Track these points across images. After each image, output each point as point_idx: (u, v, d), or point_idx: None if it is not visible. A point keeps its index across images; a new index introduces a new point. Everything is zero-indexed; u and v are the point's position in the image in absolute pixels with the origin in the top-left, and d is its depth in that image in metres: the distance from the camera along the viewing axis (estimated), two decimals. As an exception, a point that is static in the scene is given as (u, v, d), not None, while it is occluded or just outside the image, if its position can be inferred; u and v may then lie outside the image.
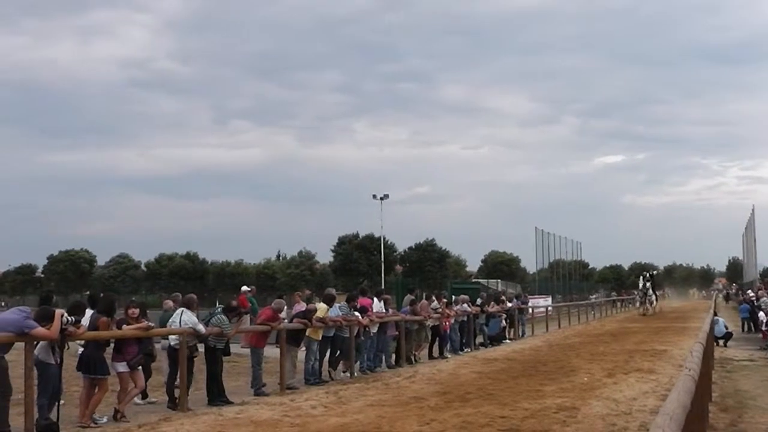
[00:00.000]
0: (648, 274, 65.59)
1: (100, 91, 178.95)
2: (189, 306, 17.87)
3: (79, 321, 14.39)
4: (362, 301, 24.53)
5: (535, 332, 41.45)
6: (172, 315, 17.81)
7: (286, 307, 22.29)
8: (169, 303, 19.60)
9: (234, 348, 20.40)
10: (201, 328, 17.46)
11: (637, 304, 67.18)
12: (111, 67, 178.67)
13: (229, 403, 17.29)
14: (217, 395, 17.56)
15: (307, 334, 21.20)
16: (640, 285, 64.26)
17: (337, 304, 22.67)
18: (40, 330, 13.36)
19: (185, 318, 17.37)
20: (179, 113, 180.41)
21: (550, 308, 51.52)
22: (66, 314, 14.11)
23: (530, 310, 47.26)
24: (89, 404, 14.90)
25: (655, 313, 61.62)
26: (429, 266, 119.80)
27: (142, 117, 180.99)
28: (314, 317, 21.19)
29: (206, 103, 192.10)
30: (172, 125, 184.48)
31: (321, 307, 21.84)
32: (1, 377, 13.31)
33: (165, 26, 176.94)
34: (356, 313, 23.12)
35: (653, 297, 64.04)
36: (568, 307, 60.14)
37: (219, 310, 18.77)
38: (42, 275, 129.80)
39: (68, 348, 14.58)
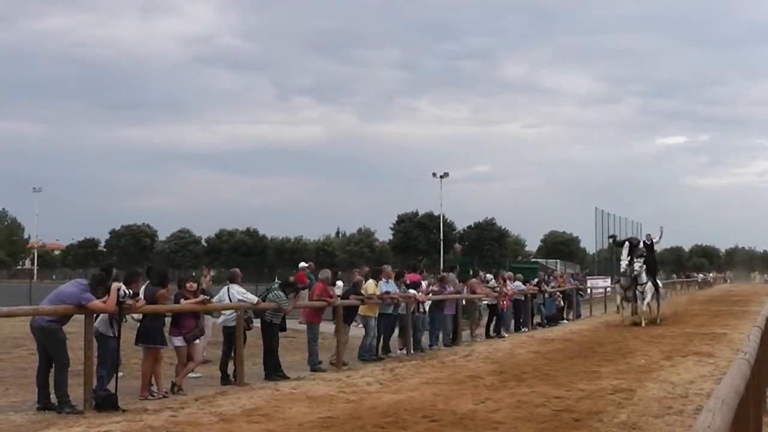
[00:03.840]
0: (636, 243, 35.08)
1: (164, 68, 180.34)
2: (234, 280, 17.98)
3: (137, 294, 14.55)
4: (411, 277, 24.56)
5: (593, 313, 41.26)
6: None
7: (342, 284, 22.33)
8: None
9: (293, 324, 20.58)
10: (251, 297, 17.59)
11: (617, 299, 36.51)
12: (175, 43, 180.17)
13: (285, 378, 17.41)
14: (273, 370, 17.69)
15: (360, 311, 21.23)
16: (623, 263, 34.16)
17: (388, 281, 22.61)
18: (96, 303, 13.53)
19: (233, 292, 17.50)
20: (242, 89, 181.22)
21: (608, 289, 51.15)
22: (123, 287, 14.29)
23: (589, 290, 46.99)
24: (144, 375, 15.10)
25: (653, 319, 33.42)
26: (488, 245, 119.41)
27: (205, 93, 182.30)
28: (367, 294, 21.20)
29: (268, 79, 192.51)
30: (235, 101, 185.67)
31: (369, 283, 21.87)
32: (60, 348, 13.53)
33: (228, 3, 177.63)
34: (412, 290, 23.15)
35: (647, 288, 33.71)
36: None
37: (276, 285, 18.86)
38: (104, 249, 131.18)
39: (126, 321, 14.76)
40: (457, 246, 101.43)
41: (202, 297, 16.50)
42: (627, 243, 35.26)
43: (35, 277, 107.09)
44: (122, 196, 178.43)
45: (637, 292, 33.92)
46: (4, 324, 23.38)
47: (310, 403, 14.33)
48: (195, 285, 16.64)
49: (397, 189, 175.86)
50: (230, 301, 17.38)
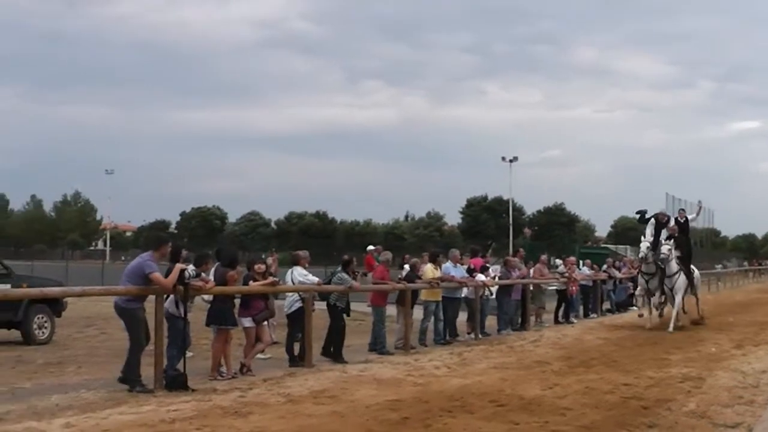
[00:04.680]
0: (665, 221, 27.25)
1: (234, 52, 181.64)
2: (297, 263, 18.06)
3: (200, 274, 14.67)
4: (475, 261, 24.49)
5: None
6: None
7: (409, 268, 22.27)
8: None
9: (361, 306, 20.64)
10: (312, 278, 17.66)
11: (635, 292, 29.74)
12: (244, 27, 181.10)
13: (344, 362, 17.55)
14: (337, 353, 17.79)
15: (422, 295, 21.21)
16: (642, 246, 26.44)
17: (456, 265, 22.57)
18: (157, 275, 13.69)
19: (295, 274, 17.59)
20: (311, 73, 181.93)
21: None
22: (192, 268, 14.44)
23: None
24: (214, 356, 15.25)
25: (678, 322, 25.50)
26: (557, 230, 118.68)
27: (275, 77, 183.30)
28: (431, 279, 21.17)
29: (338, 63, 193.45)
30: (304, 85, 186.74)
31: (427, 268, 21.73)
32: (136, 328, 13.70)
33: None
34: (480, 276, 23.12)
35: (678, 281, 26.14)
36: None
37: (339, 268, 18.91)
38: (175, 231, 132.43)
39: (193, 302, 14.92)
40: (527, 231, 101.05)
41: (271, 279, 16.62)
42: (652, 220, 26.97)
43: (107, 258, 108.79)
44: (193, 178, 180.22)
45: (665, 287, 26.02)
46: (77, 304, 23.71)
47: (378, 385, 14.38)
48: (264, 267, 16.75)
49: (467, 173, 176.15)
50: (292, 284, 17.49)
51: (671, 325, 24.85)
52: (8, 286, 19.03)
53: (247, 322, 15.86)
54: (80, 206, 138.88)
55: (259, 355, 16.88)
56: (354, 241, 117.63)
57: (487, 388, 13.94)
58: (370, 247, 31.99)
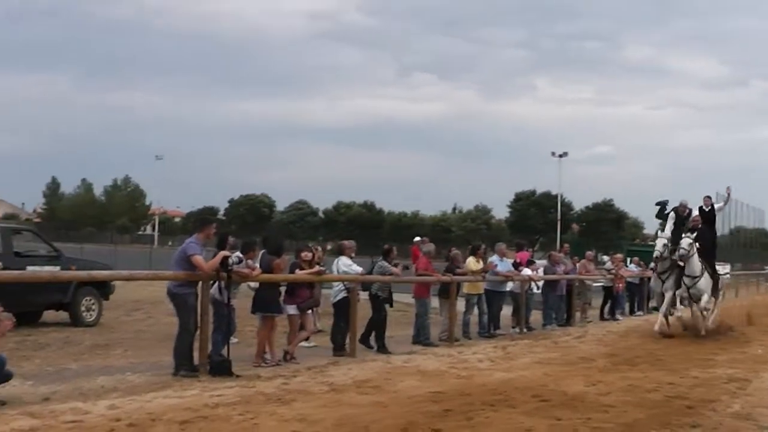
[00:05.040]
0: (687, 214, 23.77)
1: (287, 43, 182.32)
2: (342, 252, 18.11)
3: (242, 261, 14.74)
4: (520, 255, 24.43)
5: (710, 300, 40.49)
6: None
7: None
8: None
9: (406, 297, 20.66)
10: (356, 268, 17.72)
11: (652, 296, 28.39)
12: (297, 19, 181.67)
13: (387, 352, 17.62)
14: (380, 344, 17.83)
15: (465, 289, 21.21)
16: (659, 242, 23.11)
17: (502, 259, 22.54)
18: (198, 258, 13.77)
19: (340, 264, 17.66)
20: (363, 65, 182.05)
21: (727, 276, 50.10)
22: (237, 255, 14.54)
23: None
24: (259, 343, 15.33)
25: (703, 330, 22.69)
26: (605, 227, 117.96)
27: (326, 68, 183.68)
28: (474, 271, 21.17)
29: (390, 55, 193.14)
30: (355, 77, 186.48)
31: (469, 261, 21.72)
32: (185, 313, 13.81)
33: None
34: (526, 270, 23.08)
35: (701, 282, 22.53)
36: (746, 276, 58.30)
37: (381, 258, 18.93)
38: (223, 217, 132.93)
39: (236, 289, 15.02)
40: (575, 226, 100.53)
41: (317, 268, 16.68)
42: (672, 214, 23.62)
43: (155, 242, 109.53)
44: (242, 167, 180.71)
45: (684, 286, 22.51)
46: (125, 287, 23.91)
47: (421, 377, 14.40)
48: (310, 255, 16.82)
49: (515, 167, 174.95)
50: (337, 273, 17.56)
51: (702, 328, 22.45)
52: (58, 268, 19.27)
53: (292, 309, 15.95)
54: (130, 191, 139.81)
55: (304, 343, 16.97)
56: (401, 233, 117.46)
57: (530, 383, 13.92)
58: (417, 239, 31.96)
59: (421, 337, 19.18)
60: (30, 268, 18.27)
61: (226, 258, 14.00)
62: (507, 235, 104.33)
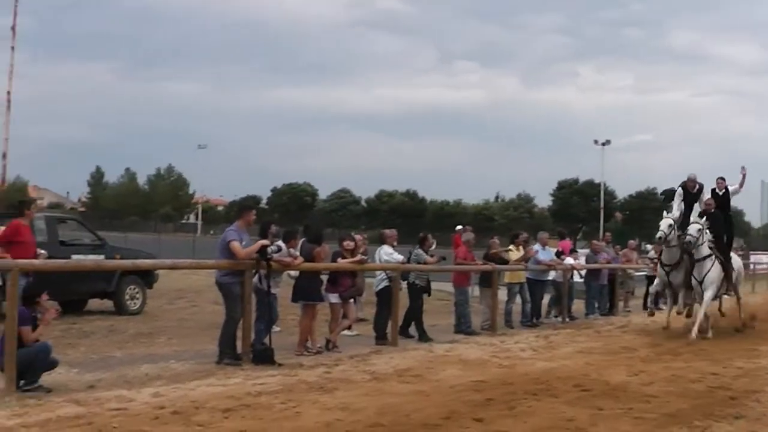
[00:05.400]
0: (697, 190, 20.86)
1: (327, 31, 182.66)
2: (384, 241, 18.15)
3: (281, 249, 14.78)
4: (562, 244, 24.36)
5: (755, 289, 40.19)
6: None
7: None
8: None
9: (448, 286, 20.66)
10: (397, 257, 17.76)
11: (651, 288, 23.36)
12: (337, 6, 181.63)
13: (428, 339, 17.66)
14: (420, 332, 17.86)
15: (506, 278, 21.20)
16: (663, 223, 19.70)
17: (544, 248, 22.49)
18: (235, 244, 13.83)
19: (381, 253, 17.71)
20: (403, 53, 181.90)
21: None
22: (277, 244, 14.61)
23: (752, 266, 45.78)
24: (302, 332, 15.39)
25: (704, 327, 19.77)
26: (649, 215, 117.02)
27: (367, 56, 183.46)
28: (515, 260, 21.16)
29: (429, 43, 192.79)
30: (396, 65, 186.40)
31: (512, 250, 21.77)
32: (231, 302, 13.91)
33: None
34: (569, 259, 23.03)
35: (710, 273, 19.84)
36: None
37: (417, 246, 18.93)
38: (266, 206, 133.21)
39: (278, 278, 15.10)
40: (618, 215, 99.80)
41: (359, 256, 16.72)
42: (679, 190, 20.92)
43: (199, 231, 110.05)
44: (284, 155, 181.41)
45: (693, 279, 20.03)
46: (168, 276, 24.07)
47: (463, 366, 14.41)
48: (352, 244, 16.84)
49: (558, 155, 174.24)
50: (379, 262, 17.61)
51: (693, 331, 19.30)
52: (102, 257, 19.43)
53: (334, 298, 16.00)
54: (173, 180, 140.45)
55: (346, 332, 17.02)
56: (443, 221, 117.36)
57: (573, 372, 13.90)
58: (458, 227, 31.93)
59: (462, 326, 19.18)
60: (75, 257, 18.41)
61: (264, 247, 14.05)
62: (550, 224, 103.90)
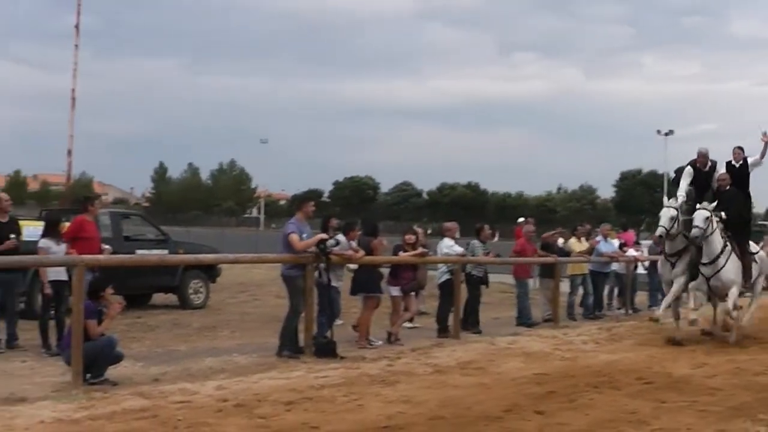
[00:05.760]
0: (710, 168, 17.57)
1: (386, 23, 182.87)
2: (445, 234, 18.16)
3: (338, 243, 14.86)
4: (624, 235, 24.18)
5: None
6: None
7: (563, 240, 22.12)
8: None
9: (509, 278, 20.63)
10: (457, 249, 17.76)
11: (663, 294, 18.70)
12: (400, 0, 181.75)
13: (478, 331, 17.71)
14: (473, 323, 17.85)
15: (568, 270, 21.12)
16: (665, 216, 16.37)
17: (607, 239, 22.36)
18: (293, 236, 13.89)
19: (442, 246, 17.74)
20: (462, 45, 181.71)
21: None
22: (336, 238, 14.67)
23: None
24: (364, 325, 15.45)
25: (734, 336, 17.00)
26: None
27: (426, 48, 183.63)
28: (578, 252, 21.07)
29: (489, 35, 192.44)
30: (455, 57, 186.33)
31: (572, 241, 21.78)
32: (294, 295, 14.01)
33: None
34: (632, 251, 22.88)
35: (726, 269, 16.31)
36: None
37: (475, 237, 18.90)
38: (328, 200, 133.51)
39: (340, 272, 15.16)
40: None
41: (420, 249, 16.73)
42: (689, 168, 17.65)
43: (261, 225, 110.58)
44: (346, 148, 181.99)
45: (702, 276, 16.71)
46: (231, 270, 24.26)
47: (525, 359, 14.40)
48: (413, 237, 16.86)
49: (620, 146, 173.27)
50: (440, 255, 17.64)
51: (732, 335, 17.15)
52: (166, 251, 19.63)
53: (395, 291, 16.03)
54: (235, 174, 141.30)
55: (407, 324, 17.05)
56: (505, 213, 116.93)
57: (635, 365, 13.84)
58: (520, 219, 31.85)
59: (523, 319, 19.13)
60: (139, 252, 18.66)
61: (323, 240, 14.11)
62: (613, 216, 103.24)
